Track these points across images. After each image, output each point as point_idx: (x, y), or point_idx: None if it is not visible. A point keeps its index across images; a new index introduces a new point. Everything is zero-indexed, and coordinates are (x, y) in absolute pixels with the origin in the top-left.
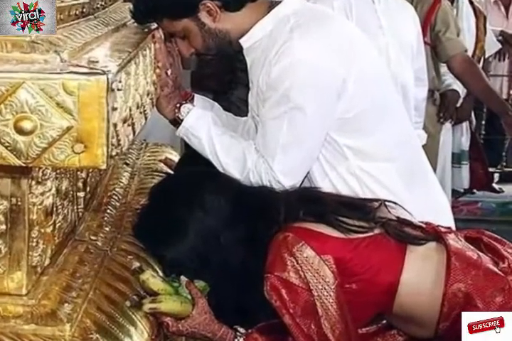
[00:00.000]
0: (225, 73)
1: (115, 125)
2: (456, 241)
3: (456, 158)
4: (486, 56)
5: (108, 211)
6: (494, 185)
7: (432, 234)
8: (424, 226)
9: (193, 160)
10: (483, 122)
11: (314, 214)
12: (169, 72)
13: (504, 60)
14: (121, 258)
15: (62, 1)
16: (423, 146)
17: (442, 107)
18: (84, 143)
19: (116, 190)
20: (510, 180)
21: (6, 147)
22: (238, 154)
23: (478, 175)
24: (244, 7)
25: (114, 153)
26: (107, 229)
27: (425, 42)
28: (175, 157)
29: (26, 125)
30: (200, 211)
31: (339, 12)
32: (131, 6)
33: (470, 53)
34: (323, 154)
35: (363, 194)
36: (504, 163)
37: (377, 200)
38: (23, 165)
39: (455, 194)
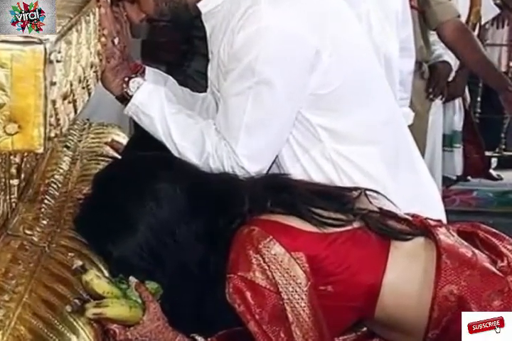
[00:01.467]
0: (180, 42)
1: (54, 102)
2: (447, 237)
3: (448, 141)
4: (483, 22)
5: (46, 201)
6: (491, 171)
7: (419, 228)
8: (410, 219)
9: (143, 142)
10: (479, 99)
11: (284, 204)
12: (116, 40)
13: (503, 26)
14: (61, 256)
15: None
16: (410, 127)
17: (432, 81)
18: (18, 122)
19: (55, 177)
20: (510, 166)
21: None
22: (196, 136)
23: (473, 160)
24: None
25: (52, 135)
26: (45, 222)
27: (412, 7)
28: (123, 139)
29: None
30: (152, 202)
31: None
32: None
33: (464, 19)
34: (294, 135)
35: (340, 181)
36: (503, 146)
37: (356, 189)
38: None
39: (446, 182)
